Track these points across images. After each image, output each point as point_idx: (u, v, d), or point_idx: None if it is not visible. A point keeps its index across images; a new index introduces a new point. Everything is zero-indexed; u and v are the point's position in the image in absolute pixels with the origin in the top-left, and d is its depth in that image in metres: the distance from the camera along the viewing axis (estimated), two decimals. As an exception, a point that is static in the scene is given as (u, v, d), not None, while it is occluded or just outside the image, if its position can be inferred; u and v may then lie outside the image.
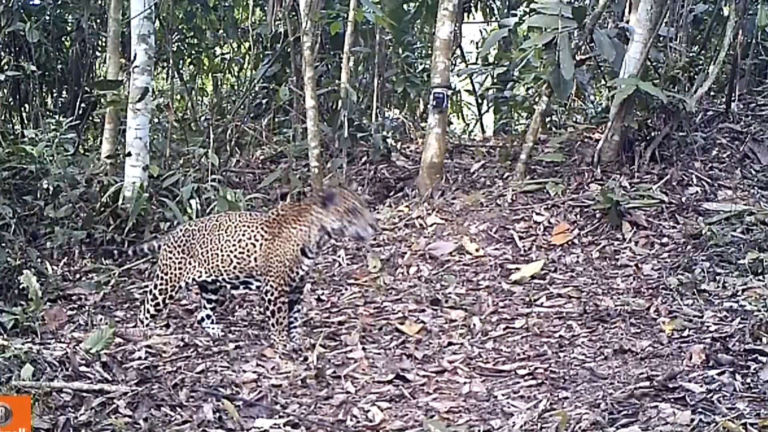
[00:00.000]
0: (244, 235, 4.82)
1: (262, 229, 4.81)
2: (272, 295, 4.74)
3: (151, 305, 5.00)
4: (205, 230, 4.92)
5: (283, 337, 4.76)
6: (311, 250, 4.78)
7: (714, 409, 3.45)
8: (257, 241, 4.79)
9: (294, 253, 4.73)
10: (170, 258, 4.94)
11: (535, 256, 6.12)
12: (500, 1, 11.36)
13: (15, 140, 7.39)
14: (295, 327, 4.88)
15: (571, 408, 3.71)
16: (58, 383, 3.86)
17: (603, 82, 9.48)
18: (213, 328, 5.03)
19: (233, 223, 4.89)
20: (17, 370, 3.83)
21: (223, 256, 4.83)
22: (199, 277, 4.91)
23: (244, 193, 7.18)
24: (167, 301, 5.00)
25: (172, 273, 4.93)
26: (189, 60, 10.94)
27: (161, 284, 4.95)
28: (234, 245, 4.81)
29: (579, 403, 3.77)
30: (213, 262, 4.85)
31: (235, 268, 4.82)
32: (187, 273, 4.91)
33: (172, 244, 4.98)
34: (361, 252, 6.44)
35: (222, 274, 4.87)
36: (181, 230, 5.05)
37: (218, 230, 4.88)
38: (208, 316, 5.07)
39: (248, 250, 4.79)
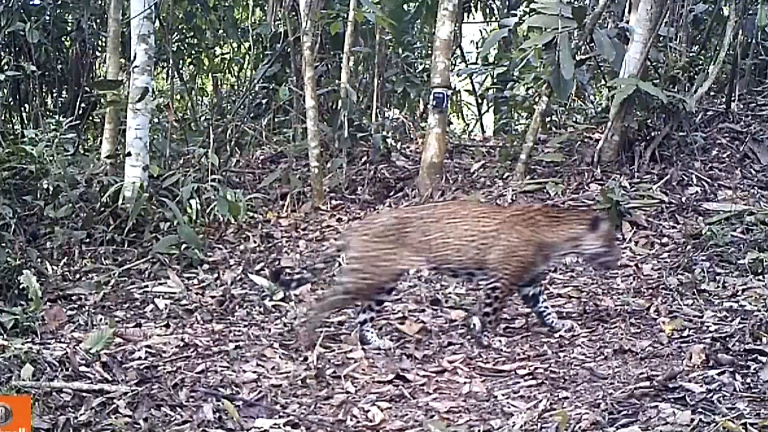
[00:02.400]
0: (484, 226, 4.70)
1: (508, 224, 4.70)
2: (500, 291, 4.69)
3: (335, 298, 4.77)
4: (424, 219, 4.75)
5: (492, 327, 4.75)
6: (551, 259, 4.80)
7: (714, 409, 3.45)
8: (501, 235, 4.67)
9: (536, 257, 4.69)
10: (375, 250, 4.70)
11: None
12: (500, 1, 11.37)
13: (15, 140, 7.39)
14: (550, 314, 4.86)
15: (571, 408, 3.71)
16: (58, 383, 3.86)
17: (603, 82, 9.48)
18: (372, 333, 4.80)
19: (469, 213, 4.79)
20: (17, 370, 3.84)
21: (455, 245, 4.68)
22: (414, 267, 4.77)
23: (244, 193, 7.19)
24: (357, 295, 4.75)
25: (377, 266, 4.69)
26: (189, 60, 10.96)
27: (359, 278, 4.69)
28: (472, 235, 4.68)
29: (579, 403, 3.77)
30: (440, 251, 4.69)
31: (470, 258, 4.68)
32: (398, 264, 4.71)
33: (373, 236, 4.73)
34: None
35: (448, 264, 4.73)
36: (379, 222, 4.85)
37: (449, 219, 4.73)
38: (372, 319, 4.89)
39: (487, 243, 4.67)
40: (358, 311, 4.91)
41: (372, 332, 4.83)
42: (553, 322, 4.86)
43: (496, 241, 4.67)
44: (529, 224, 4.72)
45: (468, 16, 11.43)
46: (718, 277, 5.33)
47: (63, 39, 10.00)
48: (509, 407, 3.89)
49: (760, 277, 5.20)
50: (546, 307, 4.90)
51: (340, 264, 6.20)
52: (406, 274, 4.95)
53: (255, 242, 6.66)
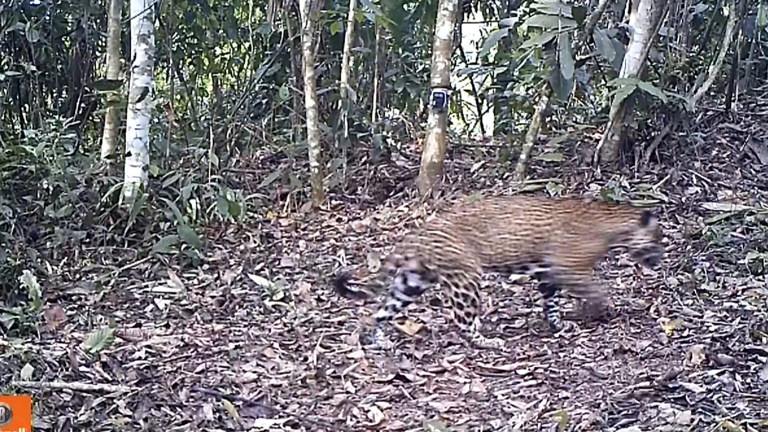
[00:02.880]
0: (538, 219, 4.70)
1: (562, 218, 4.71)
2: (582, 282, 4.74)
3: (464, 310, 4.64)
4: (478, 217, 4.72)
5: (606, 313, 4.80)
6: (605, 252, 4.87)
7: (714, 409, 3.45)
8: (556, 229, 4.68)
9: (598, 247, 4.75)
10: (455, 251, 4.63)
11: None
12: (500, 1, 11.37)
13: (15, 140, 7.39)
14: (555, 312, 4.91)
15: (571, 408, 3.71)
16: (58, 383, 3.86)
17: (603, 82, 9.48)
18: (381, 332, 4.78)
19: (521, 207, 4.79)
20: (17, 370, 3.84)
21: (512, 241, 4.67)
22: (479, 265, 4.71)
23: (244, 193, 7.19)
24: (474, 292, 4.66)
25: (467, 264, 4.63)
26: (189, 60, 10.96)
27: (461, 279, 4.61)
28: (526, 230, 4.68)
29: (579, 403, 3.77)
30: (498, 248, 4.67)
31: (526, 252, 4.68)
32: (475, 263, 4.66)
33: (446, 236, 4.67)
34: (361, 252, 6.44)
35: (506, 261, 4.71)
36: (445, 220, 4.81)
37: (502, 215, 4.72)
38: (390, 318, 4.88)
39: (542, 237, 4.67)
40: (378, 306, 4.91)
41: (382, 332, 4.82)
42: (555, 320, 4.87)
43: (551, 236, 4.69)
44: (585, 216, 4.76)
45: (468, 16, 11.44)
46: (718, 277, 5.33)
47: (63, 39, 10.00)
48: (509, 407, 3.89)
49: (760, 277, 5.20)
50: (556, 303, 4.92)
51: (339, 264, 6.24)
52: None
53: (255, 242, 6.66)
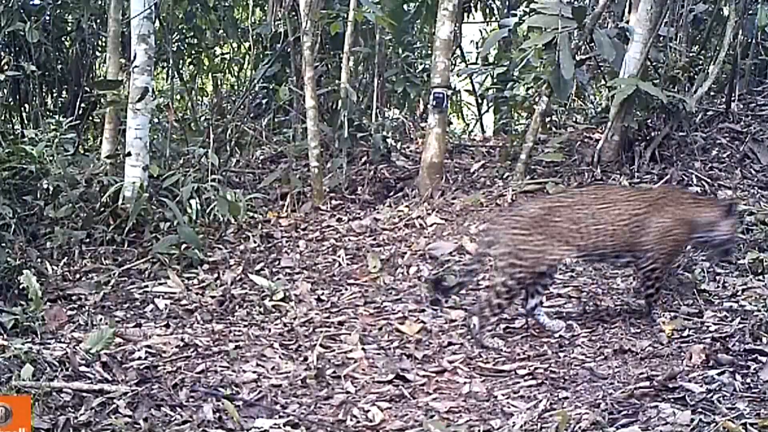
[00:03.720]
0: (635, 209, 4.73)
1: (658, 206, 4.75)
2: (659, 271, 4.77)
3: (499, 300, 4.71)
4: (572, 207, 4.73)
5: (656, 306, 4.84)
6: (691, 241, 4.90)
7: (714, 409, 3.45)
8: (652, 217, 4.71)
9: (687, 237, 4.78)
10: (526, 243, 4.67)
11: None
12: (500, 1, 11.37)
13: (15, 140, 7.39)
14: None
15: (571, 408, 3.71)
16: (58, 383, 3.86)
17: (603, 82, 9.48)
18: (544, 317, 4.86)
19: (618, 196, 4.82)
20: (17, 370, 3.83)
21: (609, 230, 4.69)
22: (564, 257, 4.78)
23: (244, 193, 7.19)
24: (518, 289, 4.74)
25: (530, 257, 4.66)
26: (189, 60, 10.95)
27: (515, 273, 4.66)
28: (624, 219, 4.71)
29: (579, 403, 3.77)
30: (593, 238, 4.70)
31: (623, 242, 4.72)
32: (550, 255, 4.71)
33: (522, 229, 4.70)
34: (361, 252, 6.45)
35: (601, 249, 4.74)
36: (526, 214, 4.78)
37: (599, 204, 4.73)
38: (541, 303, 4.94)
39: (640, 225, 4.71)
40: (525, 297, 4.92)
41: (544, 315, 4.88)
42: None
43: (648, 223, 4.72)
44: (678, 204, 4.79)
45: (468, 16, 11.43)
46: (718, 277, 5.33)
47: (63, 39, 10.00)
48: (509, 407, 3.89)
49: (760, 277, 5.21)
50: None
51: (339, 264, 6.23)
52: (558, 264, 4.96)
53: (255, 242, 6.66)
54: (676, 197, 4.87)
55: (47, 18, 9.21)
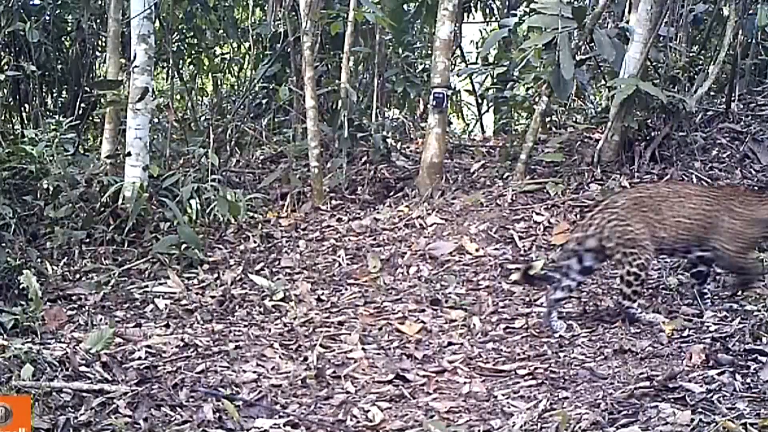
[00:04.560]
0: (707, 206, 4.83)
1: (726, 205, 4.83)
2: (743, 263, 4.86)
3: (633, 288, 4.79)
4: (654, 198, 4.86)
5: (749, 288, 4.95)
6: None
7: (714, 409, 3.45)
8: (723, 215, 4.80)
9: (757, 232, 4.85)
10: (627, 231, 4.77)
11: (535, 256, 6.11)
12: (500, 1, 11.37)
13: (15, 140, 7.39)
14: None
15: (571, 408, 3.71)
16: (58, 383, 3.87)
17: (603, 82, 9.47)
18: (555, 315, 4.92)
19: (692, 192, 4.92)
20: (17, 370, 3.84)
21: (686, 224, 4.80)
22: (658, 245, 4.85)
23: (244, 193, 7.19)
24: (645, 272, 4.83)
25: (639, 244, 4.77)
26: (189, 60, 10.94)
27: (633, 260, 4.75)
28: (698, 215, 4.81)
29: (579, 403, 3.77)
30: (672, 230, 4.80)
31: (695, 237, 4.82)
32: (650, 240, 4.80)
33: (626, 214, 4.81)
34: (361, 252, 6.45)
35: (676, 243, 4.84)
36: (620, 203, 4.89)
37: (676, 198, 4.84)
38: (563, 301, 5.03)
39: (711, 222, 4.80)
40: (554, 287, 4.97)
41: (556, 313, 4.94)
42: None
43: (718, 221, 4.81)
44: (744, 203, 4.87)
45: (468, 16, 11.43)
46: (718, 277, 5.33)
47: (63, 39, 9.99)
48: (509, 407, 3.89)
49: (760, 277, 5.21)
50: (708, 291, 5.04)
51: (339, 264, 6.23)
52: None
53: (255, 242, 6.66)
54: (742, 197, 4.95)
55: (47, 18, 9.21)
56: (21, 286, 5.07)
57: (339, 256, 6.37)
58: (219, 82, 11.10)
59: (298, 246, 6.64)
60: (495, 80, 9.67)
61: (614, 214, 4.86)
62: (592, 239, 4.88)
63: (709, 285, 5.05)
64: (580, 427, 3.45)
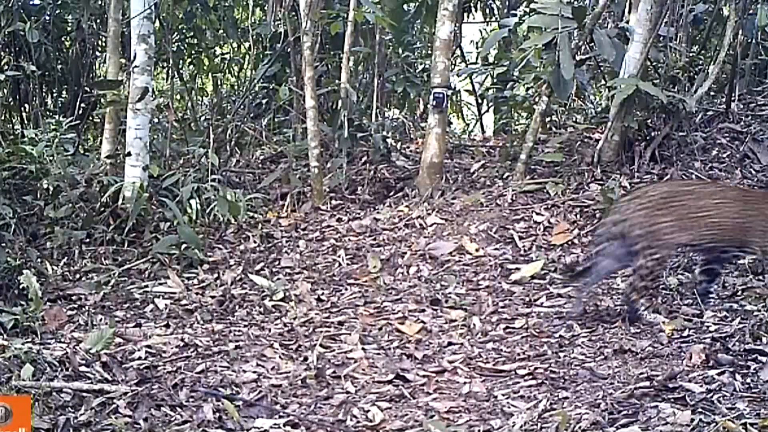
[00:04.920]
0: (743, 209, 4.82)
1: (758, 209, 4.83)
2: None
3: (644, 283, 4.79)
4: (692, 196, 4.85)
5: None
6: None
7: (714, 409, 3.45)
8: (757, 218, 4.81)
9: None
10: (655, 223, 4.77)
11: (535, 256, 6.12)
12: (500, 1, 11.36)
13: (15, 140, 7.39)
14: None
15: (571, 408, 3.71)
16: (58, 383, 3.86)
17: (603, 82, 9.47)
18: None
19: (730, 194, 4.96)
20: (17, 370, 3.83)
21: (724, 225, 4.79)
22: (684, 242, 4.86)
23: (244, 193, 7.19)
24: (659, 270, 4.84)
25: (664, 238, 4.76)
26: (189, 60, 10.94)
27: (653, 254, 4.76)
28: (735, 216, 4.80)
29: (579, 403, 3.77)
30: (710, 229, 4.78)
31: (730, 238, 4.82)
32: (678, 237, 4.79)
33: (654, 209, 4.80)
34: (361, 252, 6.45)
35: (712, 243, 4.83)
36: (651, 195, 4.90)
37: (715, 198, 4.84)
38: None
39: (746, 224, 4.80)
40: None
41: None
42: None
43: (751, 224, 4.81)
44: None
45: (468, 16, 11.42)
46: (718, 277, 5.33)
47: (63, 39, 9.99)
48: (509, 407, 3.89)
49: (760, 277, 5.21)
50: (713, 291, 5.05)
51: (339, 264, 6.23)
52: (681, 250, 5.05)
53: (255, 242, 6.66)
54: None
55: (47, 18, 9.21)
56: (21, 286, 5.07)
57: (339, 256, 6.37)
58: (219, 82, 11.10)
59: (298, 246, 6.64)
60: (495, 80, 9.67)
61: (645, 206, 4.84)
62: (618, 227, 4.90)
63: (714, 285, 5.04)
64: (580, 427, 3.45)
